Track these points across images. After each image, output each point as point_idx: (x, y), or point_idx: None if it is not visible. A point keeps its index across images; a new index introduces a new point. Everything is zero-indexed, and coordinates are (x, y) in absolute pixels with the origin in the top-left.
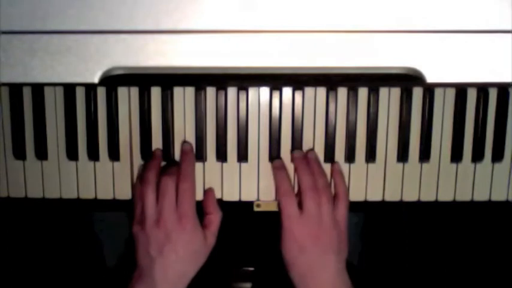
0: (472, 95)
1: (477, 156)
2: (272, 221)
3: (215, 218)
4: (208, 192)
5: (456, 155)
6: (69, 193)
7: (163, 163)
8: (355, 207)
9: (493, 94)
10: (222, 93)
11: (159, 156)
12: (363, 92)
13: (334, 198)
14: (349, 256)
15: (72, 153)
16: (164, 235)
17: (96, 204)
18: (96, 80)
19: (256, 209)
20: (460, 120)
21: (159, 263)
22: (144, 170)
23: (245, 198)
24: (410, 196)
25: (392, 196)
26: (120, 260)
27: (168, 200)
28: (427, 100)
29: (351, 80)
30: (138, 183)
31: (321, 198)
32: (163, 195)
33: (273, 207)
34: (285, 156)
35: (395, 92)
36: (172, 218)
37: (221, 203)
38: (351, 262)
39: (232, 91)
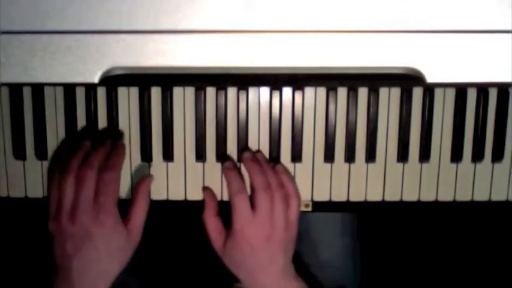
0: (472, 95)
1: (477, 156)
2: None
3: (139, 208)
4: (140, 181)
5: (456, 155)
6: None
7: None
8: (355, 207)
9: (493, 94)
10: (222, 93)
11: (87, 148)
12: (362, 92)
13: (286, 197)
14: (350, 256)
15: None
16: (82, 231)
17: None
18: (96, 80)
19: None
20: (460, 120)
21: (77, 261)
22: (68, 159)
23: None
24: (410, 196)
25: (392, 196)
26: None
27: (85, 192)
28: (427, 100)
29: (351, 80)
30: (56, 174)
31: (274, 198)
32: (81, 186)
33: None
34: (285, 156)
35: (395, 92)
36: (88, 212)
37: (221, 203)
38: (296, 251)
39: (232, 91)
